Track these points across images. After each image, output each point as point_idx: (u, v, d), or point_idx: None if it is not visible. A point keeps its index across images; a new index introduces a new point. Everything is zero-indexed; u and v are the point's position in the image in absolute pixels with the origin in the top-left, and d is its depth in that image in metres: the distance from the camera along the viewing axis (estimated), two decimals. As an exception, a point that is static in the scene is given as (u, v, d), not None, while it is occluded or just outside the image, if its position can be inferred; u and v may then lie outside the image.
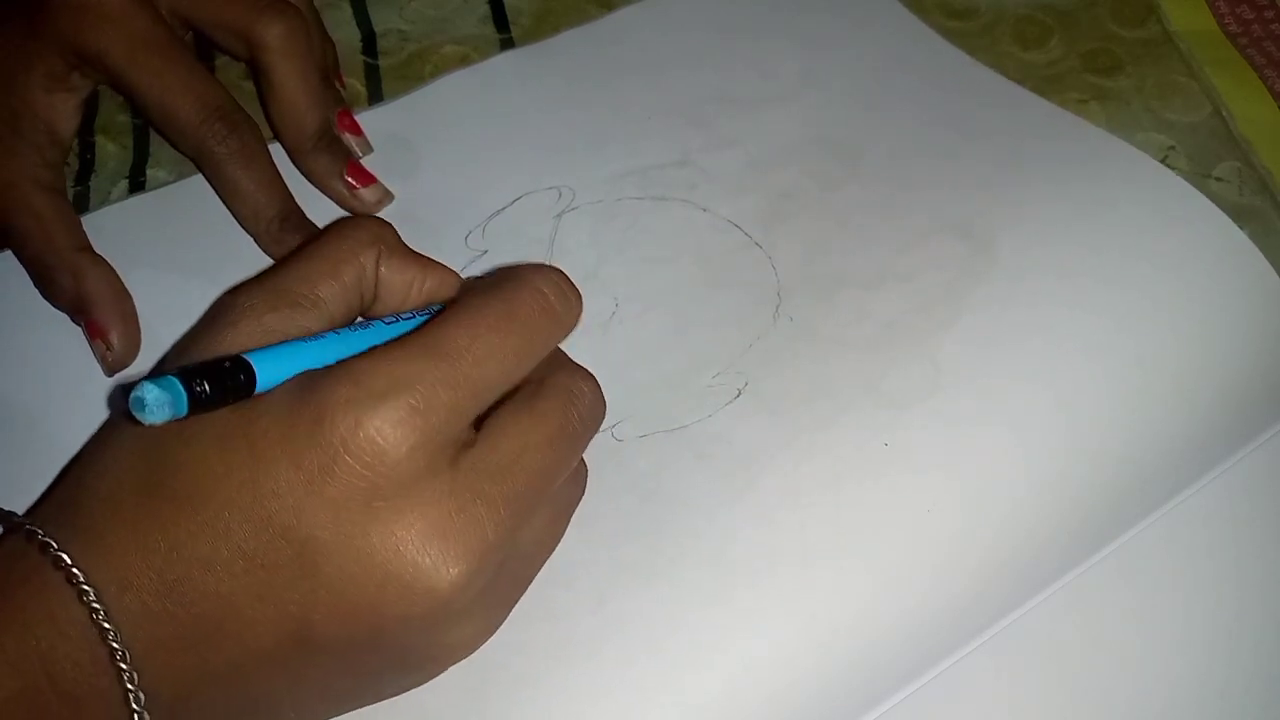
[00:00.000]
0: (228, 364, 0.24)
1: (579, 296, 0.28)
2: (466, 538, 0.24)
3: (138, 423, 0.22)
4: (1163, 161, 0.40)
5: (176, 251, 0.37)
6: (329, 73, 0.40)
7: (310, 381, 0.24)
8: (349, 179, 0.38)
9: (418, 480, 0.24)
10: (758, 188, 0.39)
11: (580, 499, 0.30)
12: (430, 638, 0.26)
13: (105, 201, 0.39)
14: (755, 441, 0.32)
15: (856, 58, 0.42)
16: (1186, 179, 0.39)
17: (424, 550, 0.24)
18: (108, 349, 0.35)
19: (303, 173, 0.38)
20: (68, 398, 0.34)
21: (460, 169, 0.39)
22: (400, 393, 0.24)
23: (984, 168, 0.39)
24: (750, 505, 0.31)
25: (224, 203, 0.37)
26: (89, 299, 0.35)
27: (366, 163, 0.39)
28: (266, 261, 0.37)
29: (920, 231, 0.37)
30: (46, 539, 0.24)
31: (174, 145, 0.38)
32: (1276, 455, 0.34)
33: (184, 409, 0.23)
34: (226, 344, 0.26)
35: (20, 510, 0.26)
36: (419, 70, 0.43)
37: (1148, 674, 0.30)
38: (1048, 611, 0.31)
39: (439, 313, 0.27)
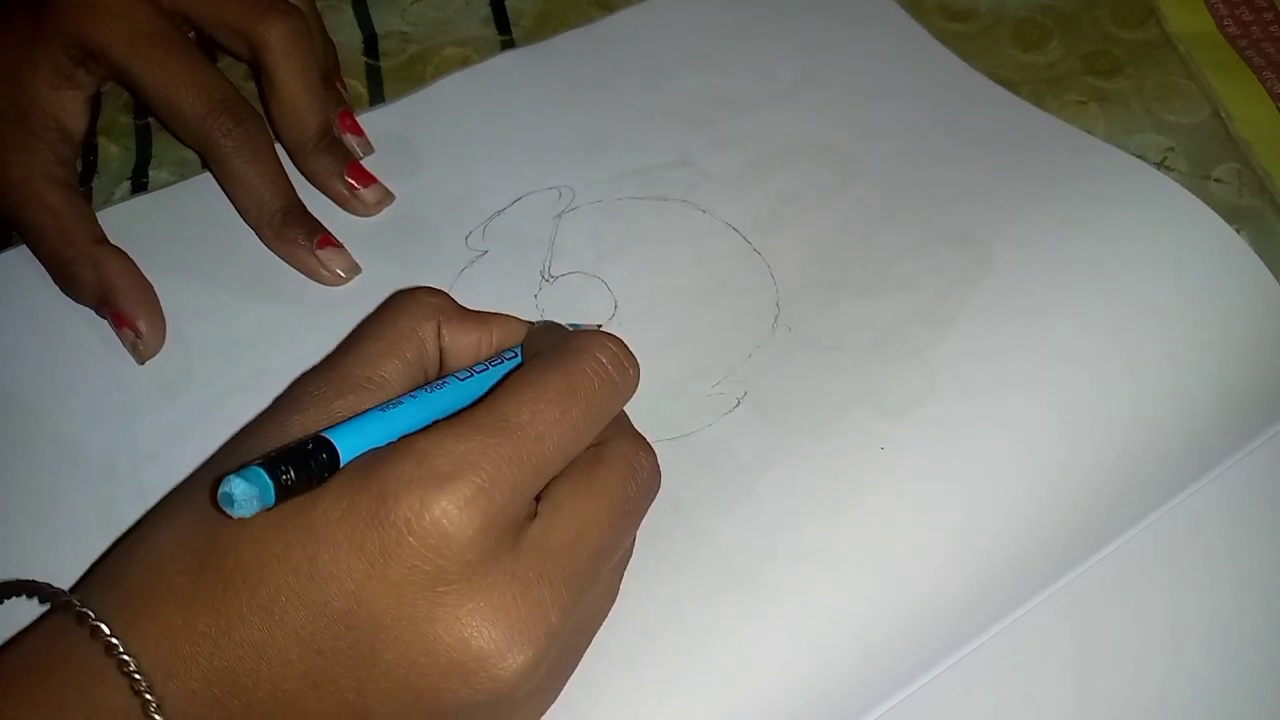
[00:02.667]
0: (310, 445, 0.23)
1: (636, 365, 0.27)
2: (531, 623, 0.23)
3: (193, 503, 0.22)
4: (1162, 163, 0.40)
5: (179, 251, 0.37)
6: (330, 74, 0.40)
7: (372, 460, 0.24)
8: (350, 179, 0.38)
9: (482, 563, 0.23)
10: (757, 190, 0.39)
11: (629, 559, 0.29)
12: None
13: (108, 202, 0.39)
14: (755, 450, 0.33)
15: (855, 60, 0.43)
16: (1185, 180, 0.40)
17: (489, 637, 0.23)
18: (137, 337, 0.35)
19: (304, 173, 0.38)
20: (70, 396, 0.35)
21: (461, 169, 0.39)
22: (465, 472, 0.23)
23: (981, 175, 0.39)
24: (750, 512, 0.31)
25: (227, 195, 0.37)
26: (112, 289, 0.35)
27: (367, 163, 0.39)
28: (267, 261, 0.37)
29: (917, 239, 0.37)
30: (99, 622, 0.23)
31: (179, 138, 0.38)
32: (1273, 458, 0.34)
33: (271, 499, 0.22)
34: (294, 429, 0.25)
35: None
36: (420, 71, 0.43)
37: (1145, 675, 0.30)
38: (1045, 614, 0.31)
39: (500, 383, 0.26)
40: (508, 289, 0.36)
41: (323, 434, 0.24)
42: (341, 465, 0.24)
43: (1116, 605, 0.31)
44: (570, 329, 0.32)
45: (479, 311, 0.30)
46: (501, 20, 0.45)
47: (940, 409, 0.33)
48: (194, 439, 0.33)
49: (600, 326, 0.35)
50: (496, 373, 0.28)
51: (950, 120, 0.41)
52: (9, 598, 0.25)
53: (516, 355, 0.29)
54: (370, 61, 0.44)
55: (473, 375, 0.28)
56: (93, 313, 0.36)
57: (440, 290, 0.29)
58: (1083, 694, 0.30)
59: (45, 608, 0.25)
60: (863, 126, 0.40)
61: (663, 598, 0.29)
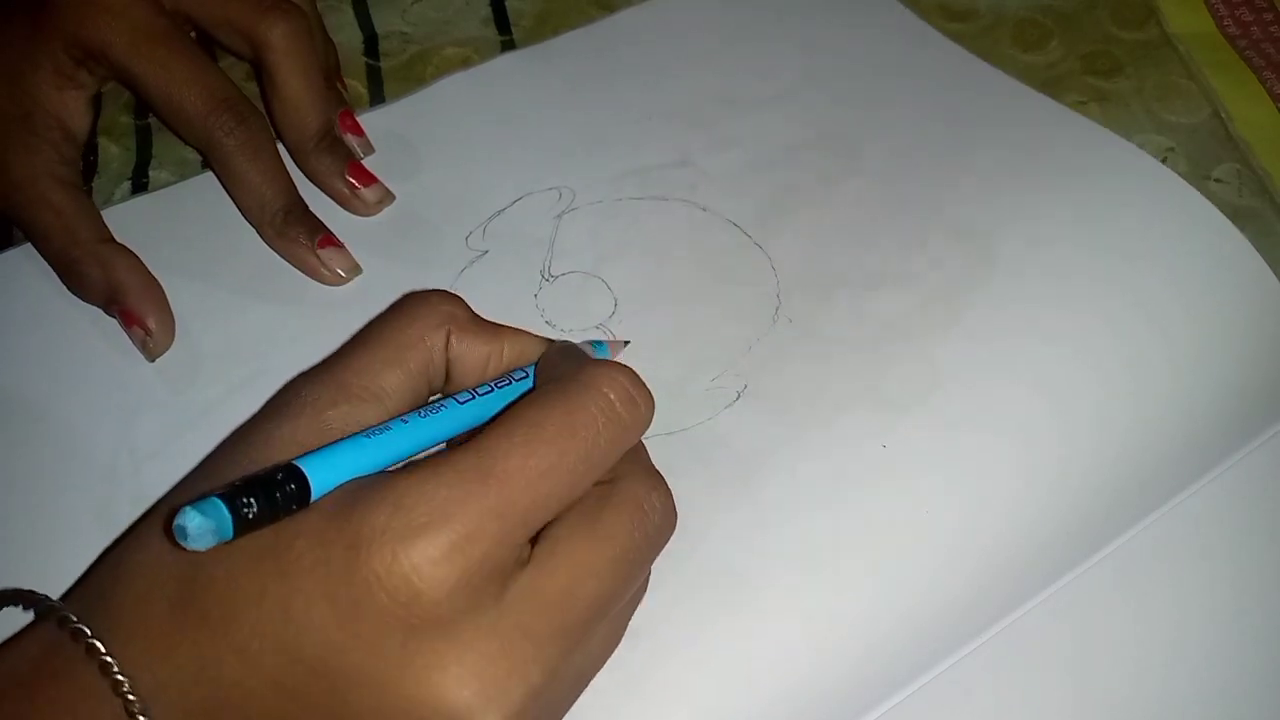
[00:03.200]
0: (279, 475, 0.22)
1: (650, 400, 0.26)
2: (509, 684, 0.22)
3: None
4: (1162, 163, 0.40)
5: (179, 252, 0.37)
6: (331, 74, 0.40)
7: (351, 499, 0.23)
8: (350, 179, 0.38)
9: (458, 619, 0.22)
10: (758, 188, 0.39)
11: (644, 594, 0.28)
12: None
13: (109, 202, 0.39)
14: (755, 444, 0.32)
15: (856, 59, 0.42)
16: (1185, 180, 0.40)
17: (460, 697, 0.22)
18: (147, 335, 0.35)
19: (304, 172, 0.38)
20: (69, 396, 0.35)
21: (461, 169, 0.39)
22: (441, 525, 0.22)
23: (983, 167, 0.39)
24: (750, 507, 0.31)
25: (229, 194, 0.37)
26: (120, 287, 0.35)
27: (368, 163, 0.39)
28: (267, 261, 0.37)
29: (919, 232, 0.37)
30: (94, 639, 0.23)
31: (181, 136, 0.38)
32: (1274, 457, 0.34)
33: (230, 533, 0.21)
34: (283, 440, 0.24)
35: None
36: (421, 72, 0.43)
37: (1145, 676, 0.30)
38: (1045, 614, 0.31)
39: (496, 416, 0.25)
40: (508, 289, 0.36)
41: (295, 463, 0.22)
42: (314, 498, 0.23)
43: (1117, 605, 0.31)
44: (590, 348, 0.30)
45: (494, 324, 0.28)
46: (502, 20, 0.45)
47: (942, 404, 0.33)
48: (194, 439, 0.33)
49: (626, 343, 0.34)
50: (502, 397, 0.27)
51: (953, 114, 0.40)
52: (3, 607, 0.25)
53: (527, 376, 0.28)
54: (370, 62, 0.44)
55: (474, 399, 0.26)
56: (93, 313, 0.36)
57: (455, 296, 0.28)
58: (1083, 694, 0.30)
59: (30, 615, 0.25)
60: (864, 124, 0.40)
61: (660, 594, 0.29)
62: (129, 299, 0.35)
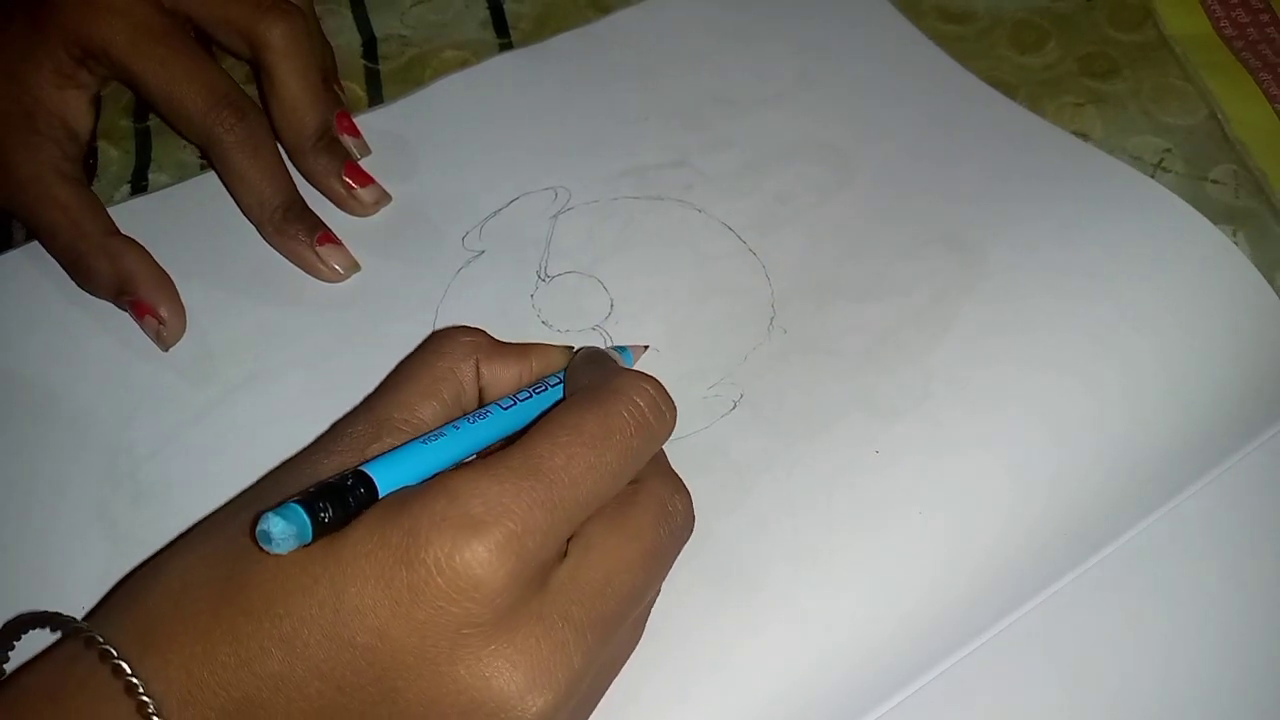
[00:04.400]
0: (349, 480, 0.23)
1: (674, 407, 0.27)
2: (554, 667, 0.23)
3: (220, 534, 0.22)
4: (1159, 164, 0.40)
5: (178, 252, 0.37)
6: (328, 76, 0.40)
7: (404, 497, 0.23)
8: (347, 179, 0.38)
9: (510, 607, 0.23)
10: (753, 190, 0.39)
11: (657, 598, 0.29)
12: None
13: (108, 205, 0.39)
14: (751, 452, 0.33)
15: (852, 62, 0.43)
16: (1183, 182, 0.40)
17: (511, 679, 0.23)
18: (160, 324, 0.35)
19: (302, 172, 0.38)
20: (68, 397, 0.35)
21: (458, 170, 0.40)
22: (499, 516, 0.23)
23: (976, 178, 0.39)
24: (746, 514, 0.31)
25: (229, 190, 0.37)
26: (130, 278, 0.35)
27: (365, 164, 0.39)
28: (265, 262, 0.37)
29: (912, 242, 0.37)
30: (106, 646, 0.23)
31: (181, 134, 0.38)
32: (1268, 460, 0.34)
33: (309, 536, 0.22)
34: (329, 470, 0.25)
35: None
36: (419, 74, 0.43)
37: (1141, 679, 0.30)
38: (1042, 617, 0.31)
39: (535, 422, 0.26)
40: (504, 289, 0.36)
41: (361, 468, 0.24)
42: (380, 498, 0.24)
43: (1111, 608, 0.31)
44: (614, 352, 0.32)
45: (518, 344, 0.30)
46: (500, 23, 0.45)
47: (935, 412, 0.33)
48: (193, 439, 0.34)
49: (646, 347, 0.35)
50: (540, 401, 0.29)
51: (946, 123, 0.41)
52: (26, 632, 0.25)
53: (560, 383, 0.30)
54: (369, 64, 0.44)
55: (516, 404, 0.28)
56: (92, 314, 0.36)
57: (477, 328, 0.30)
58: (1080, 697, 0.30)
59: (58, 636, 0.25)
60: (859, 128, 0.40)
61: (660, 598, 0.29)
62: (139, 289, 0.35)
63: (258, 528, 0.22)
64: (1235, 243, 0.37)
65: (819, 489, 0.32)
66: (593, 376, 0.28)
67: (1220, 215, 0.38)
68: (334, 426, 0.27)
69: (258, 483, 0.28)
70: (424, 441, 0.25)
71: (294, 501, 0.22)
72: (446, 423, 0.27)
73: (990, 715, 0.30)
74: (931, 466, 0.32)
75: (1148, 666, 0.30)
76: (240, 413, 0.34)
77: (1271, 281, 0.36)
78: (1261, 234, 0.38)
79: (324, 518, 0.22)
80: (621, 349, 0.33)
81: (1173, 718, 0.30)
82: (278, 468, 0.28)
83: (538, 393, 0.29)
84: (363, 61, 0.44)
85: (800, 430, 0.33)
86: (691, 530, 0.28)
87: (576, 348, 0.31)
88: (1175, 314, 0.35)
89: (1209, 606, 0.31)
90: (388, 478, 0.24)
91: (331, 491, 0.23)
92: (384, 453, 0.25)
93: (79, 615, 0.25)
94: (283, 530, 0.22)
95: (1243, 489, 0.33)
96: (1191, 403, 0.34)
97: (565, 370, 0.30)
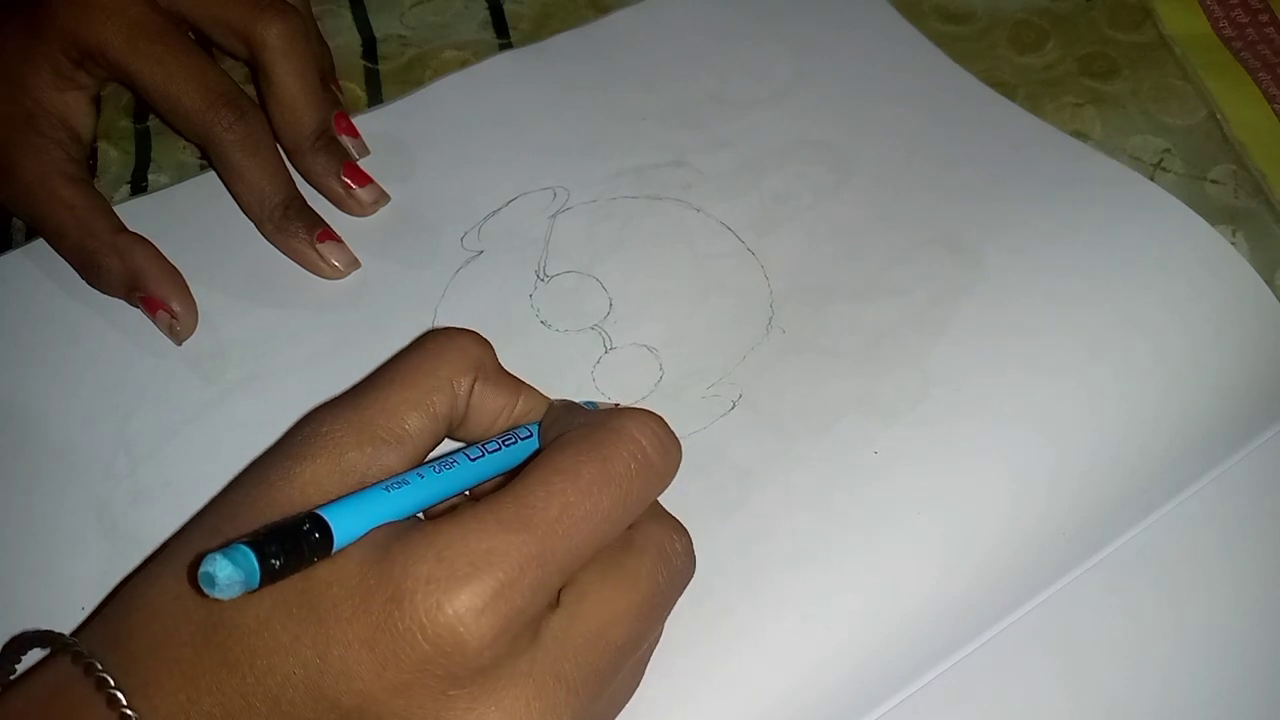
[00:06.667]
0: (305, 525, 0.22)
1: (678, 446, 0.26)
2: None
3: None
4: (1158, 164, 0.40)
5: (178, 253, 0.37)
6: (326, 75, 0.40)
7: (388, 547, 0.23)
8: (345, 179, 0.38)
9: (496, 665, 0.22)
10: (751, 190, 0.39)
11: (659, 641, 0.28)
12: None
13: (107, 204, 0.40)
14: (750, 452, 0.33)
15: (849, 62, 0.43)
16: (1182, 182, 0.40)
17: None
18: (173, 318, 0.35)
19: (300, 172, 0.38)
20: (67, 397, 0.35)
21: (456, 170, 0.40)
22: (484, 574, 0.22)
23: (973, 179, 0.39)
24: (745, 515, 0.31)
25: (229, 189, 0.37)
26: (140, 274, 0.35)
27: (364, 164, 0.39)
28: (265, 262, 0.37)
29: (910, 243, 0.37)
30: (104, 674, 0.23)
31: (180, 133, 0.38)
32: (1267, 460, 0.34)
33: (256, 583, 0.21)
34: (303, 481, 0.24)
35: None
36: (419, 75, 0.43)
37: (1141, 680, 0.30)
38: (1042, 617, 0.31)
39: (531, 464, 0.25)
40: (503, 289, 0.36)
41: (318, 513, 0.23)
42: (335, 548, 0.23)
43: (1114, 608, 0.31)
44: (587, 408, 0.30)
45: (514, 377, 0.28)
46: (500, 23, 0.45)
47: (932, 413, 0.33)
48: (193, 438, 0.34)
49: (618, 404, 0.33)
50: (511, 454, 0.27)
51: (943, 123, 0.41)
52: (27, 651, 0.25)
53: (532, 435, 0.28)
54: (369, 65, 0.44)
55: (484, 455, 0.26)
56: (91, 315, 0.36)
57: (485, 340, 0.28)
58: (1080, 698, 0.30)
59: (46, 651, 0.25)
60: (857, 128, 0.40)
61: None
62: (150, 285, 0.35)
63: (201, 569, 0.20)
64: (1234, 243, 0.37)
65: (818, 489, 0.32)
66: (568, 425, 0.26)
67: (1219, 215, 0.38)
68: (313, 418, 0.26)
69: (229, 488, 0.26)
70: (386, 489, 0.24)
71: (243, 544, 0.21)
72: (431, 436, 0.26)
73: (990, 715, 0.30)
74: (931, 467, 0.32)
75: (1148, 666, 0.30)
76: (240, 412, 0.34)
77: (1270, 281, 0.36)
78: (1260, 234, 0.38)
79: (275, 564, 0.21)
80: (590, 404, 0.31)
81: (1173, 717, 0.30)
82: (244, 472, 0.26)
83: (507, 444, 0.27)
84: (362, 62, 0.44)
85: (799, 431, 0.33)
86: (693, 572, 0.27)
87: (553, 400, 0.29)
88: (1174, 315, 0.35)
89: (1209, 607, 0.31)
90: (345, 526, 0.23)
91: (284, 535, 0.22)
92: (364, 464, 0.25)
93: (78, 615, 0.25)
94: (229, 576, 0.20)
95: (1242, 489, 0.33)
96: (1190, 403, 0.34)
97: (540, 423, 0.29)
